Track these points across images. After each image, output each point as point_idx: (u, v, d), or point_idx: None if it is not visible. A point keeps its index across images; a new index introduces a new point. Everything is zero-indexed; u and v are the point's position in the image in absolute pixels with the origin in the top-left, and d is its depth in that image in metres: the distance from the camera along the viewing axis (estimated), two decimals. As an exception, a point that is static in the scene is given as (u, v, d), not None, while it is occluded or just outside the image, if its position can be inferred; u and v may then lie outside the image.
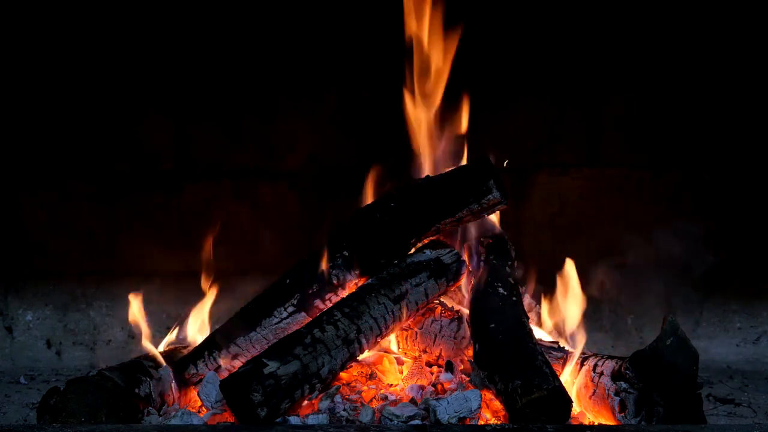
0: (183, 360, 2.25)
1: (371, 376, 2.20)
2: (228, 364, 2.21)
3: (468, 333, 2.23)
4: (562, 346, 2.25)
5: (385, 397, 2.08)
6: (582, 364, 2.11)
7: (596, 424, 2.00)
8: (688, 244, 3.13)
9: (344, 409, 1.99)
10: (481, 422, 1.93)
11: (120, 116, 3.05)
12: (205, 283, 2.43)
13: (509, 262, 2.40)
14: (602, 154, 3.12)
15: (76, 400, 1.89)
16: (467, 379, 2.13)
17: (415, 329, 2.30)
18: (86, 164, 3.07)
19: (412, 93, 2.48)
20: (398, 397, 2.08)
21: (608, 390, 1.96)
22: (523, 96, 3.04)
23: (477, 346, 2.09)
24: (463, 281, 2.36)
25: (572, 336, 2.28)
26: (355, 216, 2.35)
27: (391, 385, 2.20)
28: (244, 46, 3.01)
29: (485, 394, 1.99)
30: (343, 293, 2.24)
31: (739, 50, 3.03)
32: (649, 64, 3.04)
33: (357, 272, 2.25)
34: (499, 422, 1.96)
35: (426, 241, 2.32)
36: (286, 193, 3.10)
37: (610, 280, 3.01)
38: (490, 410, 2.01)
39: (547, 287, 2.50)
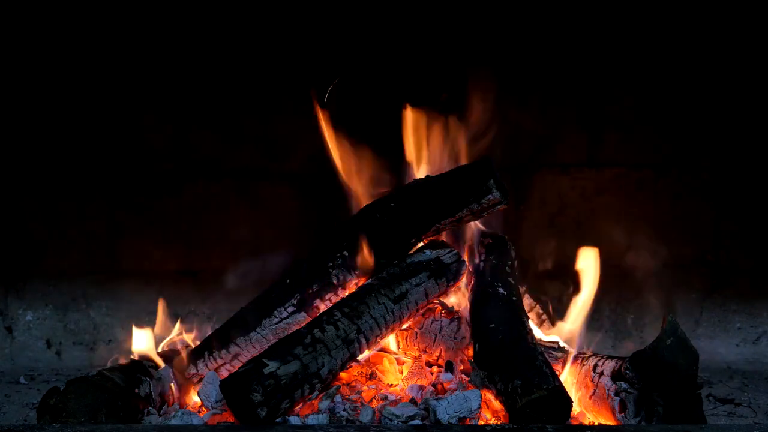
0: (183, 360, 2.25)
1: (371, 376, 2.20)
2: (228, 364, 2.21)
3: (468, 333, 2.23)
4: (562, 346, 2.25)
5: (385, 397, 2.08)
6: (582, 364, 2.11)
7: (596, 424, 2.00)
8: (688, 244, 3.14)
9: (344, 409, 1.99)
10: (481, 422, 1.93)
11: (120, 116, 3.05)
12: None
13: (509, 262, 2.40)
14: (602, 154, 3.12)
15: (76, 400, 1.89)
16: (467, 379, 2.13)
17: (415, 329, 2.30)
18: (86, 164, 3.07)
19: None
20: (398, 397, 2.08)
21: (608, 390, 1.97)
22: (523, 96, 3.04)
23: (477, 346, 2.10)
24: (463, 281, 2.36)
25: (572, 336, 2.28)
26: (355, 216, 2.35)
27: (391, 385, 2.21)
28: (244, 46, 3.01)
29: (485, 394, 1.99)
30: (343, 293, 2.24)
31: (739, 50, 3.03)
32: (650, 64, 3.04)
33: (357, 272, 2.25)
34: (499, 422, 1.96)
35: (426, 241, 2.32)
36: (286, 193, 3.09)
37: (610, 280, 3.02)
38: (490, 410, 2.01)
39: (547, 287, 2.51)
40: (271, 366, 1.90)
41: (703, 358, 1.96)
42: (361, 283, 2.23)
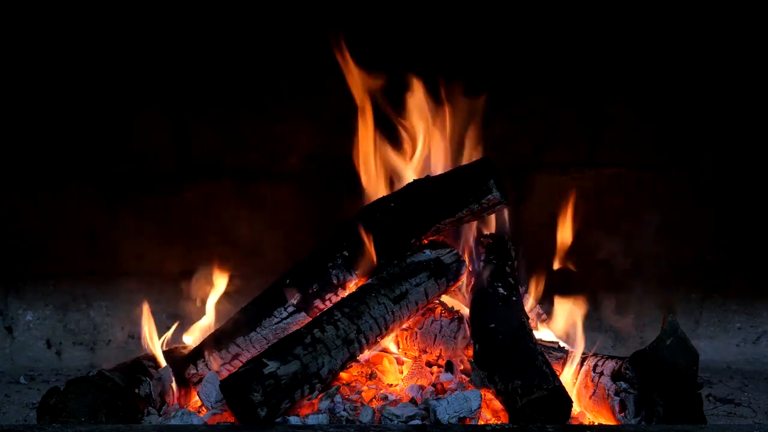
0: (183, 360, 2.25)
1: (371, 376, 2.20)
2: (228, 364, 2.21)
3: (468, 333, 2.23)
4: (562, 346, 2.25)
5: (385, 397, 2.08)
6: (582, 364, 2.11)
7: (596, 424, 2.00)
8: (688, 244, 3.14)
9: (344, 409, 1.99)
10: (481, 422, 1.93)
11: (119, 116, 3.05)
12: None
13: (509, 262, 2.40)
14: (602, 154, 3.11)
15: (76, 400, 1.89)
16: (467, 379, 2.13)
17: (415, 329, 2.30)
18: (86, 164, 3.07)
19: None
20: (398, 397, 2.08)
21: (608, 390, 1.97)
22: (524, 96, 3.04)
23: (477, 346, 2.10)
24: (463, 281, 2.36)
25: (572, 336, 2.28)
26: (356, 216, 2.35)
27: (391, 385, 2.21)
28: (244, 46, 3.01)
29: (485, 394, 1.99)
30: (343, 293, 2.24)
31: (739, 51, 3.03)
32: (650, 64, 3.04)
33: (357, 272, 2.25)
34: (499, 422, 1.96)
35: (426, 241, 2.32)
36: (286, 193, 3.09)
37: (610, 281, 3.02)
38: (490, 410, 2.01)
39: (547, 287, 2.51)
40: (271, 366, 1.90)
41: (703, 358, 1.96)
42: (361, 283, 2.23)
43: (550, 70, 3.04)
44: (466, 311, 2.30)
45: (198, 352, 2.25)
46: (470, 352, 2.17)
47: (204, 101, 3.06)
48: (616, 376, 1.96)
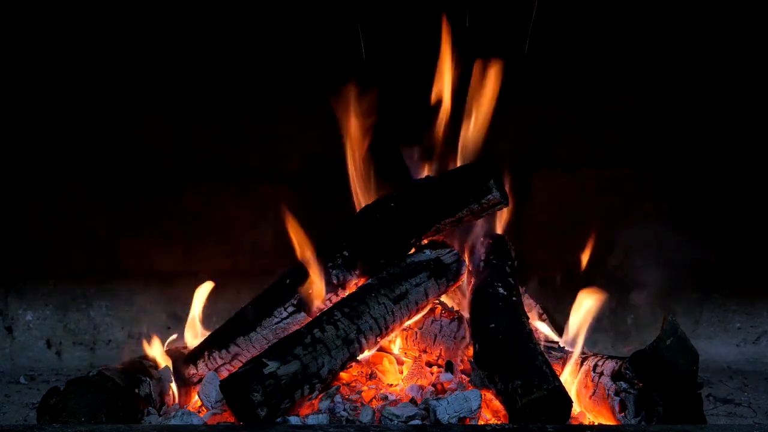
0: (183, 360, 2.24)
1: (371, 376, 2.20)
2: (228, 364, 2.21)
3: (468, 333, 2.23)
4: (562, 346, 2.25)
5: (385, 397, 2.08)
6: (582, 364, 2.11)
7: (596, 424, 2.00)
8: (687, 244, 3.13)
9: (344, 409, 1.98)
10: (481, 422, 1.93)
11: (120, 116, 3.05)
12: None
13: (509, 262, 2.40)
14: (602, 155, 3.11)
15: (76, 400, 1.89)
16: (467, 379, 2.12)
17: (415, 329, 2.30)
18: (86, 164, 3.07)
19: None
20: (398, 397, 2.08)
21: (608, 390, 1.96)
22: (524, 96, 3.04)
23: (477, 346, 2.09)
24: (463, 281, 2.36)
25: (572, 336, 2.28)
26: (355, 216, 2.35)
27: (391, 385, 2.20)
28: (244, 47, 3.01)
29: (485, 394, 1.99)
30: (343, 293, 2.24)
31: (738, 51, 3.03)
32: (650, 65, 3.04)
33: (357, 272, 2.25)
34: (499, 422, 1.96)
35: (426, 241, 2.32)
36: (286, 193, 3.09)
37: (610, 281, 3.01)
38: (490, 410, 2.01)
39: (547, 287, 2.51)
40: (271, 366, 1.90)
41: (703, 358, 1.96)
42: (361, 283, 2.23)
43: (550, 70, 3.04)
44: (466, 311, 2.30)
45: (198, 352, 2.25)
46: (470, 352, 2.17)
47: (204, 101, 3.06)
48: (616, 376, 1.96)
